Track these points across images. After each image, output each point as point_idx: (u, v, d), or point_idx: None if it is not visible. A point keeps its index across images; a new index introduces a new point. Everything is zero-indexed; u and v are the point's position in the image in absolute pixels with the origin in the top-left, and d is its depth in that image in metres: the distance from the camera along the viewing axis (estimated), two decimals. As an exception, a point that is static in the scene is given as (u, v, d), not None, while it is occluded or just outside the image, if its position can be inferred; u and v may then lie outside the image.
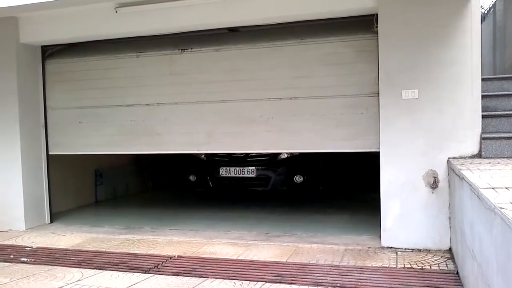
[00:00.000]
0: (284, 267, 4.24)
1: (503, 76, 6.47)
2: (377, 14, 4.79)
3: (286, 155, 7.26)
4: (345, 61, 5.19)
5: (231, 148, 5.90)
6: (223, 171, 7.33)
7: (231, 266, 4.32)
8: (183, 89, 5.85)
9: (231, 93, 5.64)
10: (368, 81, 5.04)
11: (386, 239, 4.76)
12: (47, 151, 6.42)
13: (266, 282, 3.89)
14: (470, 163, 4.12)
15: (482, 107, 4.66)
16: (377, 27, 4.80)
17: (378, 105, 4.80)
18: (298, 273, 4.06)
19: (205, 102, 5.76)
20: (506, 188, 2.77)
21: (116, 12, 5.46)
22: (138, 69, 6.03)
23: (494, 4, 10.05)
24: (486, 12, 11.03)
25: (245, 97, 5.59)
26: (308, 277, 3.98)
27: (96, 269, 4.38)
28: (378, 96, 4.81)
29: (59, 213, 6.81)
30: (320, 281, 3.88)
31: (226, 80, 5.67)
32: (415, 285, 3.73)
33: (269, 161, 7.23)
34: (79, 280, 4.07)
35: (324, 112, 5.27)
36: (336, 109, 5.23)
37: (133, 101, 6.07)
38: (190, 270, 4.24)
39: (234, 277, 4.02)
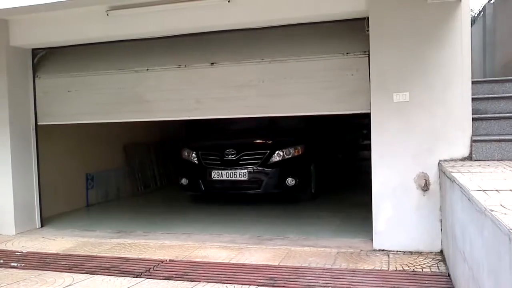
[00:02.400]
0: (277, 271, 4.23)
1: (493, 79, 6.52)
2: (368, 17, 4.81)
3: (278, 158, 7.26)
4: (335, 26, 5.20)
5: (220, 113, 5.79)
6: (215, 174, 7.31)
7: (223, 270, 4.30)
8: (172, 55, 5.78)
9: (220, 56, 5.57)
10: (358, 40, 5.02)
11: (378, 241, 4.77)
12: (37, 152, 6.36)
13: (258, 285, 3.88)
14: (461, 166, 4.14)
15: (473, 109, 4.68)
16: (368, 30, 4.82)
17: (369, 66, 4.82)
18: (290, 276, 4.06)
19: (194, 67, 5.71)
20: (497, 190, 2.79)
21: (108, 15, 5.43)
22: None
23: (484, 8, 10.14)
24: (476, 15, 11.14)
25: (235, 59, 5.54)
26: (300, 280, 3.97)
27: (87, 273, 4.34)
28: (369, 56, 4.82)
29: (50, 217, 6.75)
30: (313, 284, 3.88)
31: (216, 44, 5.61)
32: (407, 288, 3.75)
33: (261, 163, 7.22)
34: (70, 285, 4.04)
35: (315, 74, 5.26)
36: (326, 71, 5.22)
37: (123, 67, 5.99)
38: (182, 274, 4.22)
39: (226, 281, 4.01)
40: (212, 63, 5.63)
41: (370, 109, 4.80)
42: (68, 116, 6.31)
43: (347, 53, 5.15)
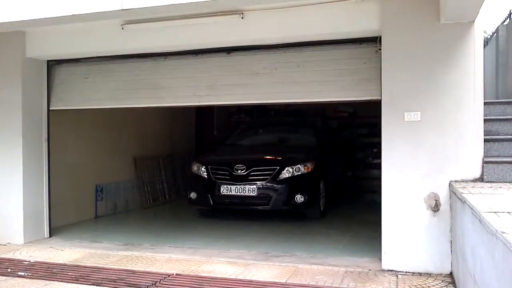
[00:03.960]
0: (283, 288, 4.20)
1: (506, 100, 6.47)
2: (380, 37, 4.83)
3: (287, 174, 7.23)
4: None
5: (232, 99, 5.84)
6: (224, 189, 7.29)
7: (230, 286, 4.28)
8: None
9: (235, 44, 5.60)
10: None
11: (387, 261, 4.72)
12: (49, 165, 6.42)
13: (264, 302, 3.85)
14: (472, 187, 4.11)
15: (485, 131, 4.66)
16: (380, 49, 4.84)
17: (381, 55, 4.83)
18: (297, 294, 4.02)
19: (211, 55, 5.75)
20: (508, 212, 2.76)
21: (123, 29, 5.51)
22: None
23: (497, 29, 10.13)
24: (489, 37, 11.11)
25: (251, 48, 5.58)
26: (307, 298, 3.94)
27: (93, 285, 4.34)
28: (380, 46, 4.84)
29: (58, 227, 6.77)
30: (319, 302, 3.84)
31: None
32: (416, 309, 3.69)
33: (271, 179, 7.20)
34: (76, 296, 4.04)
35: (328, 63, 5.31)
36: (340, 59, 5.28)
37: (141, 54, 6.03)
38: (188, 289, 4.20)
39: (233, 297, 3.98)
40: (229, 52, 5.70)
41: (380, 97, 4.82)
42: (82, 102, 6.36)
43: (359, 43, 5.19)
